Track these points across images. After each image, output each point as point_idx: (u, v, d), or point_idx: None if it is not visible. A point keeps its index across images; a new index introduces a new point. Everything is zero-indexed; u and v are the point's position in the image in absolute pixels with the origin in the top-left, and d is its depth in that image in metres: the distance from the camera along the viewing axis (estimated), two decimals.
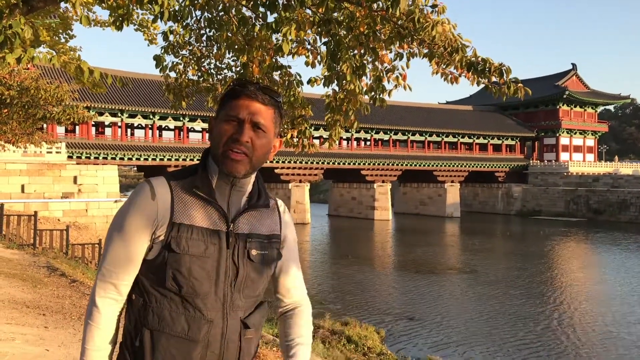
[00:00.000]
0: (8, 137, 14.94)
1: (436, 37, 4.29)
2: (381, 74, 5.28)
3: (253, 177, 1.69)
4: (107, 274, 1.59)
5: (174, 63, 6.11)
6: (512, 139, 72.35)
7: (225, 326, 1.60)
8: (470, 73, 4.48)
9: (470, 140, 69.23)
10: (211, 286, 1.58)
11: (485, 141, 70.21)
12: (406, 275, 29.44)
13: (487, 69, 4.46)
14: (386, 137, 63.29)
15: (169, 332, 1.56)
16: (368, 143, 63.72)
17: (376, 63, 5.24)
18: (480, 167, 68.31)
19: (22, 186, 31.92)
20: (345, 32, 4.92)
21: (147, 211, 1.57)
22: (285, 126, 6.14)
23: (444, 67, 4.87)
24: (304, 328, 1.80)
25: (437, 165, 64.88)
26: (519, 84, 4.50)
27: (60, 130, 41.48)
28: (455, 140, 68.10)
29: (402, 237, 48.15)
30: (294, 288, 1.83)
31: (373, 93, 5.36)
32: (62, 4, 5.21)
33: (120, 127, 47.48)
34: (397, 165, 62.45)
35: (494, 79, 4.58)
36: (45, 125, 18.81)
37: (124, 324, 1.65)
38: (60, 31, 8.20)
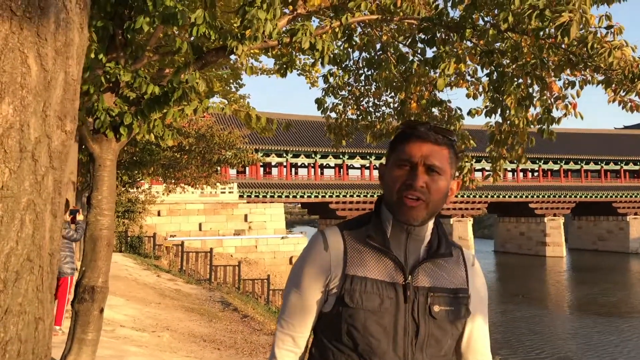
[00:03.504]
0: (188, 180, 16.39)
1: (614, 63, 3.89)
2: (550, 104, 4.93)
3: (431, 223, 1.56)
4: (285, 326, 1.58)
5: (334, 104, 6.25)
6: None
7: None
8: None
9: None
10: (389, 344, 1.46)
11: None
12: (585, 318, 26.92)
13: None
14: (556, 167, 59.35)
15: None
16: (536, 174, 60.16)
17: (544, 92, 4.90)
18: None
19: (200, 224, 34.75)
20: (509, 62, 4.68)
21: (320, 262, 1.52)
22: None
23: (623, 94, 4.41)
24: None
25: (616, 196, 59.23)
26: None
27: (232, 171, 44.75)
28: (636, 168, 61.87)
29: (579, 275, 44.30)
30: (483, 353, 1.63)
31: (541, 125, 5.02)
32: (232, 56, 5.60)
33: (285, 166, 50.04)
34: (570, 197, 58.04)
35: None
36: (219, 168, 20.41)
37: None
38: (231, 81, 8.87)
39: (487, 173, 6.01)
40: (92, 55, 4.20)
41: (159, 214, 33.63)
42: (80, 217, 6.86)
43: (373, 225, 1.54)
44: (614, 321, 26.06)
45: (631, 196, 59.64)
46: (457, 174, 6.41)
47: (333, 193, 49.44)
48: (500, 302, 31.96)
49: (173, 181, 17.77)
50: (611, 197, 59.19)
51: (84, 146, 5.16)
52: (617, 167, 61.36)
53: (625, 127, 76.88)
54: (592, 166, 60.46)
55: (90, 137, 4.48)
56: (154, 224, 32.45)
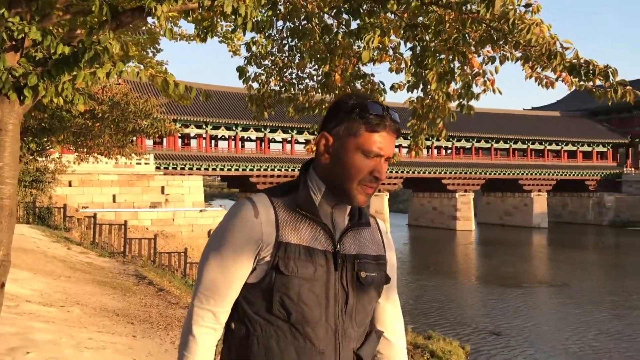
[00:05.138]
0: (101, 150, 15.68)
1: (532, 40, 4.00)
2: (470, 80, 5.02)
3: None
4: (205, 300, 1.45)
5: (257, 74, 6.09)
6: (603, 145, 68.68)
7: (338, 358, 1.45)
8: (571, 76, 4.14)
9: (558, 148, 66.34)
10: (321, 313, 1.43)
11: (575, 148, 67.06)
12: (491, 288, 28.44)
13: (590, 72, 4.11)
14: (468, 145, 61.73)
15: None
16: (449, 151, 62.37)
17: (465, 68, 4.98)
18: (569, 175, 65.23)
19: (114, 196, 33.52)
20: (432, 37, 4.70)
21: (251, 230, 1.43)
22: None
23: (540, 70, 4.55)
24: None
25: (522, 174, 62.54)
26: (628, 87, 4.10)
27: (149, 142, 43.28)
28: (541, 147, 65.47)
29: (486, 248, 46.65)
30: (399, 322, 1.66)
31: (461, 100, 5.11)
32: (149, 19, 5.30)
33: (204, 138, 49.04)
34: (480, 174, 60.69)
35: (598, 82, 4.21)
36: (135, 138, 19.68)
37: (221, 355, 1.51)
38: (148, 46, 8.46)
39: (408, 148, 6.09)
40: None
41: (70, 185, 32.12)
42: None
43: (302, 194, 1.49)
44: (511, 290, 27.73)
45: (535, 174, 63.11)
46: None
47: (254, 167, 49.06)
48: (411, 273, 33.15)
49: (85, 150, 16.91)
50: (518, 174, 62.40)
51: None
52: (524, 147, 64.64)
53: (534, 109, 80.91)
54: (501, 145, 63.34)
55: None
56: (65, 194, 31.00)
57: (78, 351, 5.43)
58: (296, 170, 49.07)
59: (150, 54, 8.73)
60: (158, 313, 8.48)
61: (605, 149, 68.99)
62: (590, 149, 67.91)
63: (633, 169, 68.02)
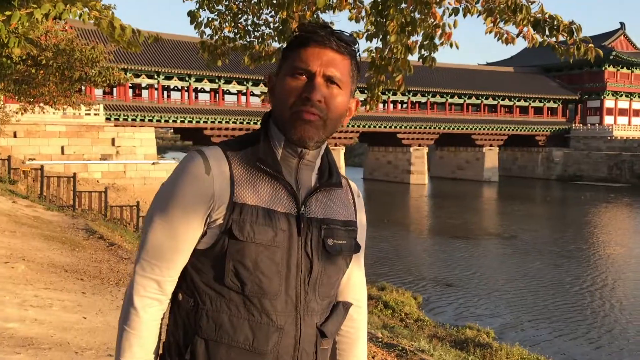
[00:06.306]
0: (46, 99, 14.98)
1: None
2: (432, 31, 4.88)
3: (323, 148, 1.36)
4: (149, 268, 1.28)
5: (209, 19, 5.78)
6: (554, 101, 70.20)
7: (298, 335, 1.30)
8: (534, 32, 4.05)
9: (511, 103, 67.45)
10: (281, 283, 1.27)
11: (526, 104, 68.32)
12: (443, 241, 29.11)
13: (555, 28, 4.03)
14: (423, 100, 62.06)
15: (228, 342, 1.25)
16: (405, 105, 62.61)
17: (427, 18, 4.82)
18: (521, 130, 66.63)
19: (62, 148, 32.41)
20: None
21: (201, 188, 1.25)
22: None
23: (502, 25, 4.44)
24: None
25: (475, 129, 63.51)
26: (590, 45, 4.04)
27: (98, 92, 41.76)
28: (495, 102, 66.44)
29: (439, 201, 47.62)
30: (363, 292, 1.52)
31: (423, 51, 4.97)
32: None
33: (156, 89, 47.63)
34: (435, 128, 61.34)
35: (561, 38, 4.14)
36: (83, 88, 18.84)
37: (168, 329, 1.35)
38: None
39: (364, 100, 5.94)
40: None
41: (15, 136, 30.86)
42: None
43: (262, 147, 1.30)
44: (461, 242, 28.55)
45: (488, 129, 64.23)
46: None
47: (208, 119, 48.10)
48: (366, 227, 33.65)
49: (30, 99, 16.09)
50: (471, 129, 63.35)
51: None
52: (478, 102, 65.46)
53: (488, 64, 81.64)
54: (455, 100, 63.95)
55: None
56: (10, 146, 29.89)
57: (22, 310, 5.21)
58: (252, 123, 48.43)
59: None
60: (109, 268, 8.26)
61: (555, 105, 70.56)
62: (541, 104, 69.32)
63: (581, 125, 69.99)
